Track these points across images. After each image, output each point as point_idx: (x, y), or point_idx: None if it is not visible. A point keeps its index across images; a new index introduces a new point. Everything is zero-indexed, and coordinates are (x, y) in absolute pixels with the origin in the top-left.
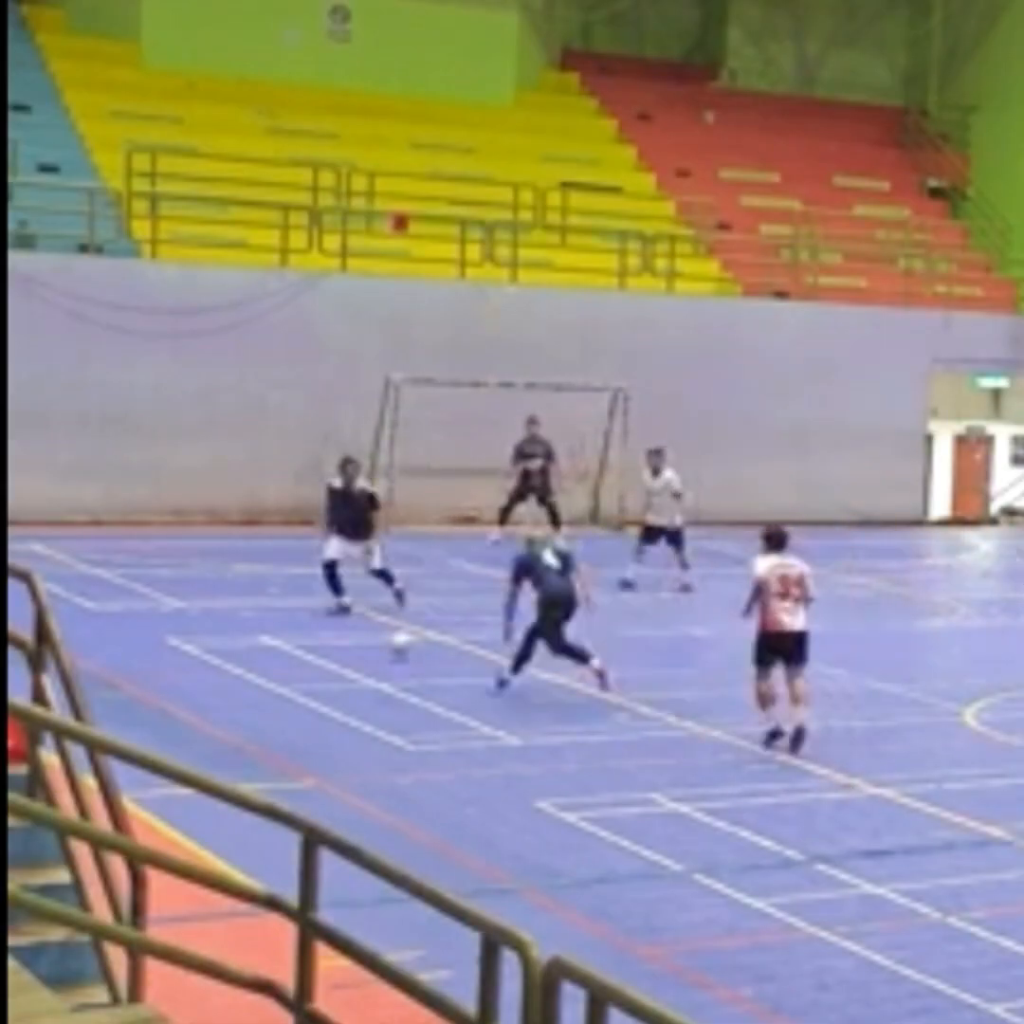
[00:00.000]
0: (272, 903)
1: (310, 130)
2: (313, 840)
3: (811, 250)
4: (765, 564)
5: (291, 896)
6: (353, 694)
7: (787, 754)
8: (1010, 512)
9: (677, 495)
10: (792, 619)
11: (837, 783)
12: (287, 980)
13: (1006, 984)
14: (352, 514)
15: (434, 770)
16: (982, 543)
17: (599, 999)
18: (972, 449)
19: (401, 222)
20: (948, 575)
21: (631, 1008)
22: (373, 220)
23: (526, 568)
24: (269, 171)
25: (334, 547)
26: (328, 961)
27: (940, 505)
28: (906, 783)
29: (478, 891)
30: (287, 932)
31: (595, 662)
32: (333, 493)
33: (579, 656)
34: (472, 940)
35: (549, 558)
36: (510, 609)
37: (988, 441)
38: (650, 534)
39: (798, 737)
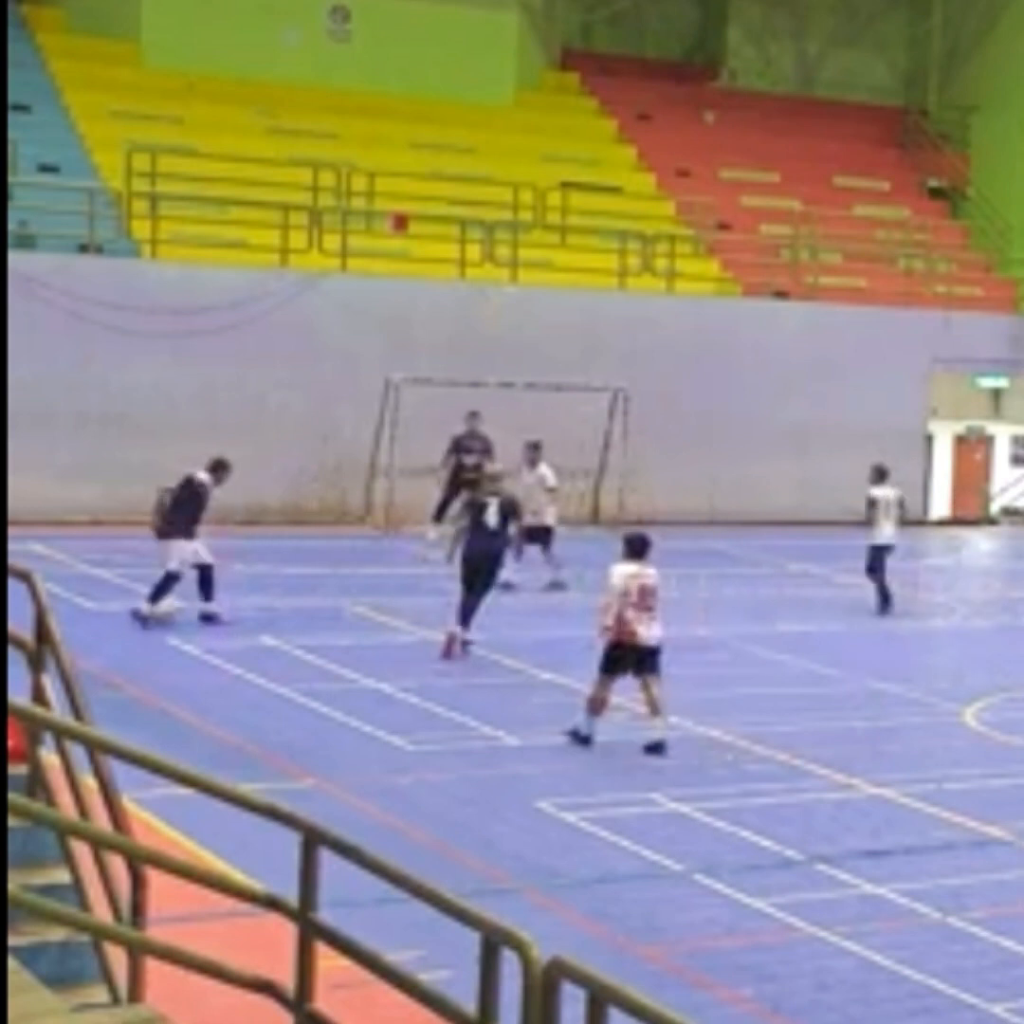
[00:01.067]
0: (272, 903)
1: (310, 130)
2: (313, 840)
3: (811, 250)
4: (623, 573)
5: (291, 896)
6: (353, 694)
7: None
8: (1010, 512)
9: (551, 490)
10: (647, 631)
11: (837, 783)
12: (287, 980)
13: (1006, 984)
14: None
15: (434, 770)
16: (982, 543)
17: (599, 999)
18: (972, 449)
19: (401, 222)
20: (948, 575)
21: (631, 1008)
22: (373, 220)
23: (475, 509)
24: (269, 171)
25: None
26: (328, 961)
27: (940, 505)
28: (906, 783)
29: (478, 891)
30: (287, 932)
31: (457, 630)
32: (204, 491)
33: (461, 619)
34: (472, 940)
35: (490, 516)
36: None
37: (988, 441)
38: (531, 533)
39: (656, 748)
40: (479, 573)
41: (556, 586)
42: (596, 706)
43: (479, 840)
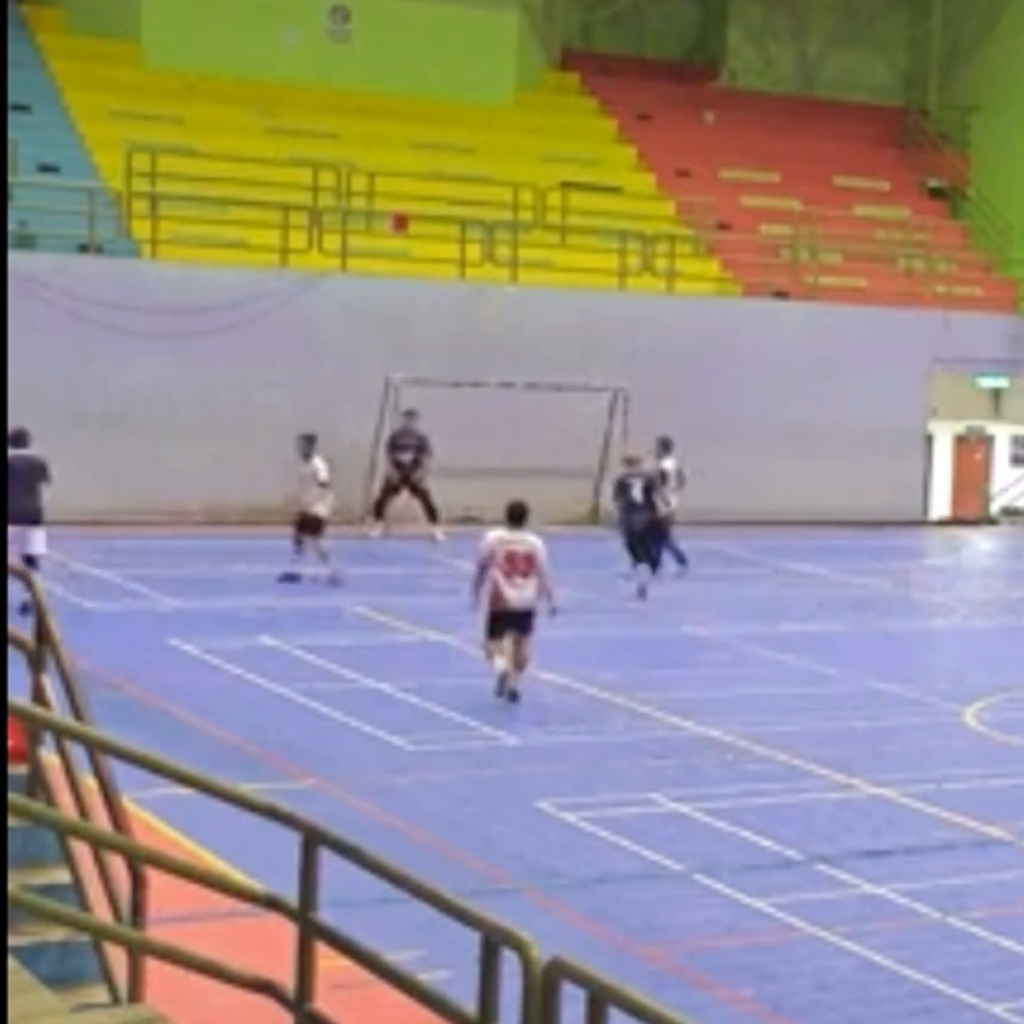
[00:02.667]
0: (272, 903)
1: (310, 130)
2: (313, 840)
3: (811, 250)
4: (492, 539)
5: (291, 896)
6: (353, 694)
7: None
8: (1010, 512)
9: (323, 484)
10: (518, 595)
11: (837, 783)
12: (287, 980)
13: (1006, 984)
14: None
15: (434, 770)
16: (982, 543)
17: (599, 999)
18: (972, 449)
19: (401, 222)
20: (948, 575)
21: (631, 1008)
22: (373, 220)
23: (622, 489)
24: (269, 171)
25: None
26: (328, 961)
27: (940, 505)
28: (906, 783)
29: (478, 891)
30: (287, 932)
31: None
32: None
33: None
34: (472, 940)
35: (635, 493)
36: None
37: (988, 441)
38: (302, 522)
39: (512, 697)
40: (642, 541)
41: (334, 582)
42: (493, 652)
43: (479, 840)
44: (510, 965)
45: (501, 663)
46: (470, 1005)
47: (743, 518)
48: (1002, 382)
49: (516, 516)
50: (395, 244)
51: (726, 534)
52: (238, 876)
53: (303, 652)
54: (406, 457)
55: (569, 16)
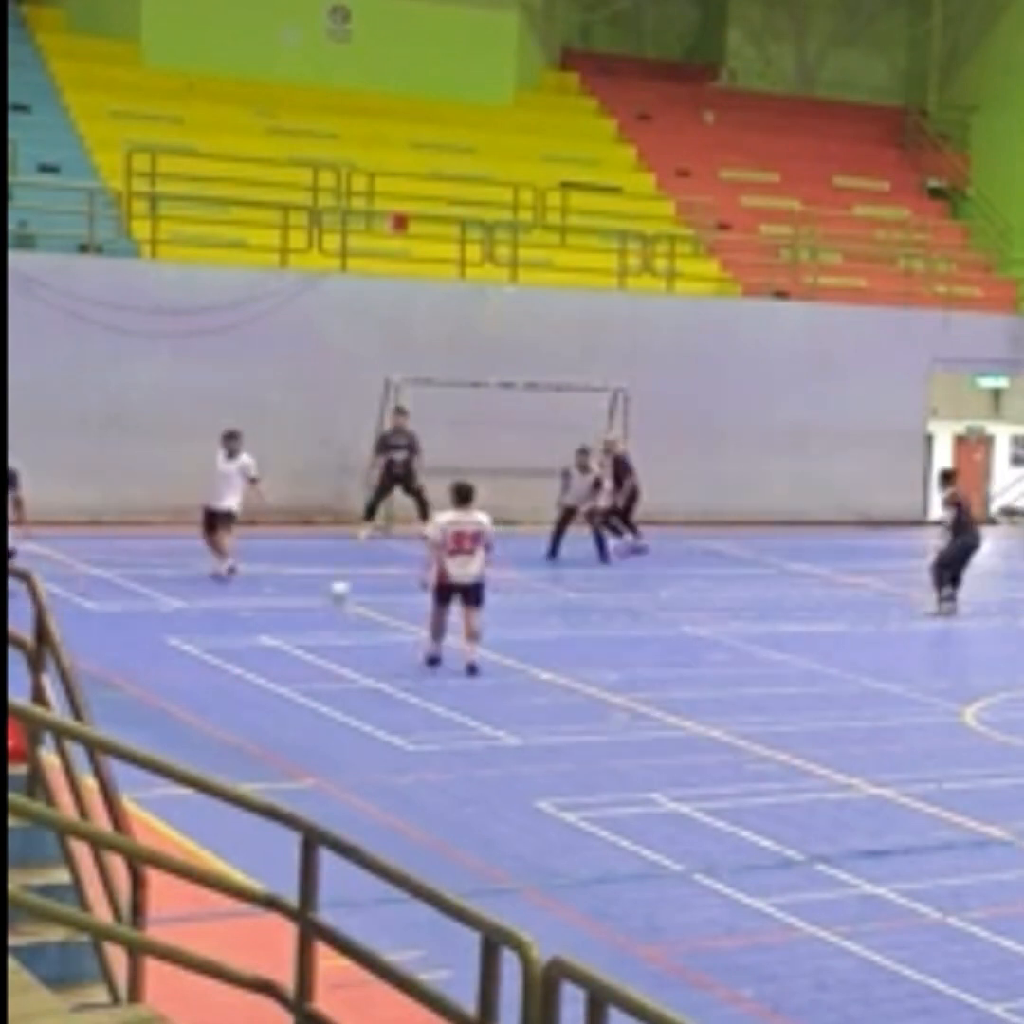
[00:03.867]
0: (272, 903)
1: (310, 130)
2: (313, 840)
3: (811, 250)
4: (441, 521)
5: (291, 896)
6: (353, 694)
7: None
8: (1010, 512)
9: (253, 480)
10: (462, 571)
11: (837, 783)
12: (287, 980)
13: (1006, 984)
14: None
15: (434, 770)
16: (982, 543)
17: (599, 999)
18: (972, 449)
19: (401, 222)
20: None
21: (631, 1008)
22: (373, 220)
23: None
24: (269, 171)
25: None
26: (328, 961)
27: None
28: (906, 783)
29: (478, 891)
30: (287, 932)
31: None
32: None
33: None
34: (472, 940)
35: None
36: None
37: (988, 441)
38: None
39: (471, 670)
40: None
41: (231, 572)
42: (435, 631)
43: (479, 840)
44: (510, 965)
45: (437, 646)
46: (470, 1005)
47: (743, 518)
48: (1002, 382)
49: (463, 496)
50: (395, 244)
51: (726, 534)
52: (238, 876)
53: (303, 652)
54: (398, 457)
55: (569, 16)
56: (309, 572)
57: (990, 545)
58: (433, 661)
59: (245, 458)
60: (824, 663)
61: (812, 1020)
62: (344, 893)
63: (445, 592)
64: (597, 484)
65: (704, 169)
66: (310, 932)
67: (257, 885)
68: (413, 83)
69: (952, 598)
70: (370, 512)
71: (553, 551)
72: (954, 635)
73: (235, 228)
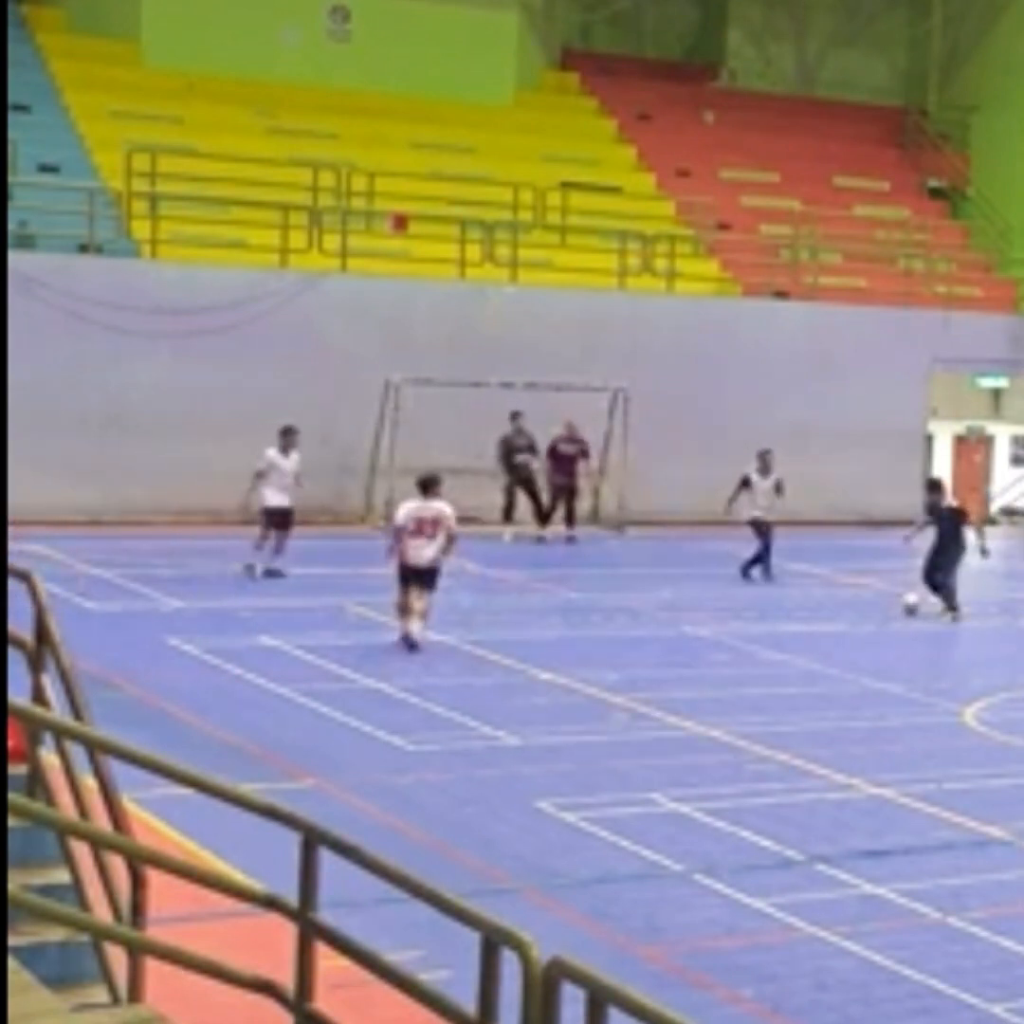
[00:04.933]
0: (272, 903)
1: (310, 130)
2: (313, 840)
3: (811, 250)
4: (405, 509)
5: (291, 896)
6: (353, 694)
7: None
8: (1010, 512)
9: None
10: (418, 553)
11: (837, 783)
12: (287, 980)
13: (1006, 984)
14: None
15: (434, 770)
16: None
17: (599, 999)
18: (972, 449)
19: (401, 222)
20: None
21: (631, 1008)
22: (373, 220)
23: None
24: (269, 171)
25: None
26: (328, 961)
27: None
28: (906, 783)
29: (478, 891)
30: (287, 932)
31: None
32: None
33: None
34: (472, 940)
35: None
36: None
37: (988, 441)
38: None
39: (406, 641)
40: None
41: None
42: (400, 610)
43: (479, 840)
44: (510, 965)
45: (405, 624)
46: (470, 1005)
47: (743, 518)
48: (1002, 382)
49: (425, 486)
50: (395, 244)
51: (726, 534)
52: (238, 876)
53: (303, 652)
54: (522, 458)
55: (569, 16)
56: (309, 572)
57: (990, 545)
58: (406, 639)
59: (296, 455)
60: (824, 663)
61: (812, 1020)
62: (344, 893)
63: (405, 573)
64: (778, 487)
65: (704, 169)
66: (310, 932)
67: (257, 885)
68: (413, 83)
69: (953, 607)
70: (508, 514)
71: (765, 568)
72: (954, 635)
73: (235, 228)
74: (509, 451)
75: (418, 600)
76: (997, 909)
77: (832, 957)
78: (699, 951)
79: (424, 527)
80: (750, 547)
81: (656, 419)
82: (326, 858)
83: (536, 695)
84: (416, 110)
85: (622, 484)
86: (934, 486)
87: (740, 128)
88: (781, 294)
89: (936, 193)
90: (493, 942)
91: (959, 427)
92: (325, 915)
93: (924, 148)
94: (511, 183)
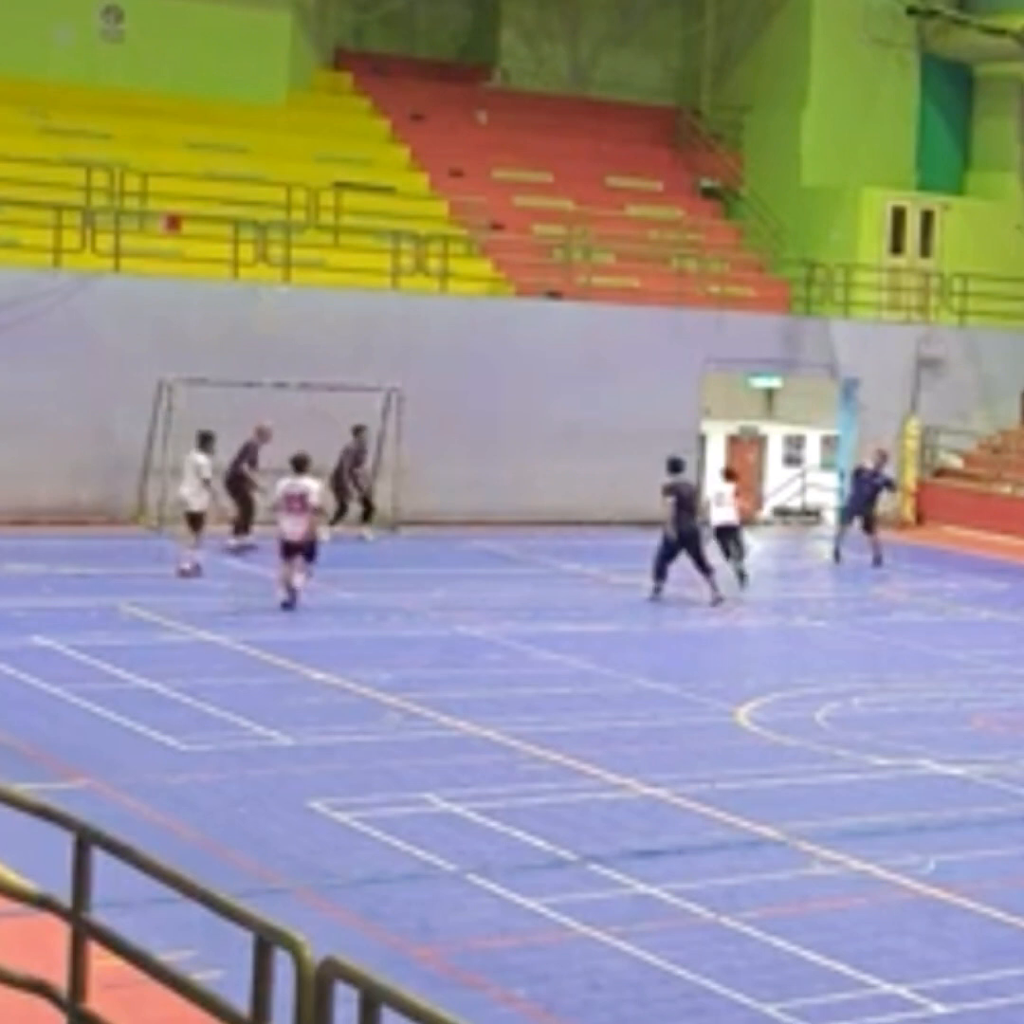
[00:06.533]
0: (45, 903)
1: (83, 130)
2: (86, 840)
3: (584, 250)
4: (281, 485)
5: (64, 896)
6: (126, 694)
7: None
8: (783, 512)
9: (206, 481)
10: (292, 528)
11: (610, 783)
12: (60, 980)
13: (779, 984)
14: None
15: (207, 770)
16: (755, 543)
17: (372, 999)
18: (745, 449)
19: (174, 222)
20: (723, 574)
21: (404, 1008)
22: (146, 220)
23: None
24: (41, 171)
25: None
26: (101, 961)
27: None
28: (679, 783)
29: (251, 891)
30: (60, 932)
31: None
32: None
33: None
34: (245, 940)
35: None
36: None
37: (761, 441)
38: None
39: (284, 605)
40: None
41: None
42: (280, 582)
43: (252, 840)
44: (283, 965)
45: (282, 593)
46: (243, 1005)
47: (518, 518)
48: (775, 382)
49: (297, 465)
50: (168, 244)
51: (501, 534)
52: (11, 876)
53: (76, 652)
54: (363, 470)
55: (342, 16)
56: (84, 572)
57: (763, 545)
58: (286, 606)
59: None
60: (598, 663)
61: (585, 1020)
62: (117, 893)
63: (283, 547)
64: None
65: (477, 169)
66: (83, 932)
67: (30, 885)
68: (186, 83)
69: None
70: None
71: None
72: (728, 635)
73: (7, 228)
74: (355, 462)
75: (299, 572)
76: (770, 909)
77: (605, 957)
78: (472, 951)
79: (292, 503)
80: (515, 545)
81: (430, 419)
82: (99, 858)
83: (309, 695)
84: (189, 110)
85: (396, 484)
86: (675, 466)
87: (513, 128)
88: (554, 294)
89: (709, 193)
90: (266, 942)
91: (732, 427)
92: (98, 915)
93: (697, 148)
94: (284, 183)
